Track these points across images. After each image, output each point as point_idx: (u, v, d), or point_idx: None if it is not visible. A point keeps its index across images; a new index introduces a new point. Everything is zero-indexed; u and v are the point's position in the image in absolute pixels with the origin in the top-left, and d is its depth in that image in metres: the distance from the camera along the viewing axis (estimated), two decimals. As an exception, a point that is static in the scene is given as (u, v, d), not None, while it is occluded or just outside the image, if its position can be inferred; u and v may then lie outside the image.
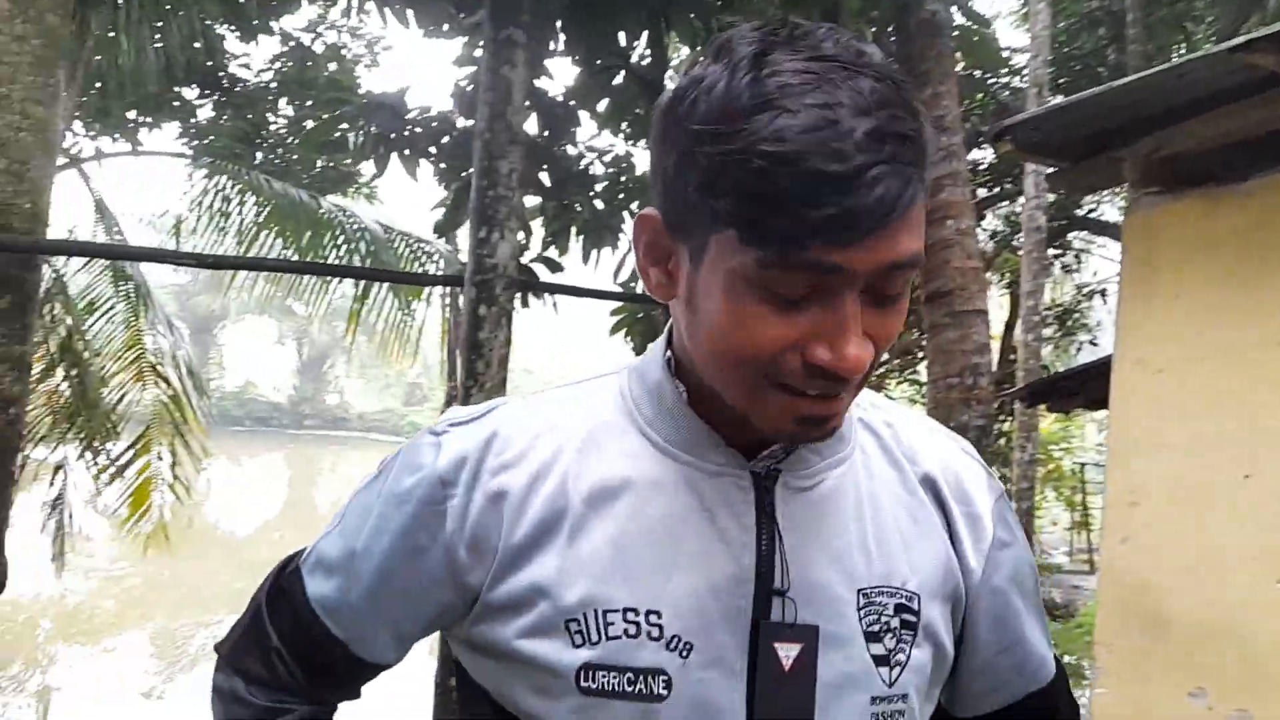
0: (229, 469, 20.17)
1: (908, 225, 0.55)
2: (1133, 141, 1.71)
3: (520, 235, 3.19)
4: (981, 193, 6.60)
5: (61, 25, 2.80)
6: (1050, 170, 2.02)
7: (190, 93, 6.84)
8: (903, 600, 0.69)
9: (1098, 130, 1.73)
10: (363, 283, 6.22)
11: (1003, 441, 6.61)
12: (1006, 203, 6.61)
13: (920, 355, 6.86)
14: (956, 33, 3.91)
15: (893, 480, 0.73)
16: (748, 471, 0.67)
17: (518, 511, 0.67)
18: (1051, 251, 7.02)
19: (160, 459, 6.60)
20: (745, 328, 0.58)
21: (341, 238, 5.99)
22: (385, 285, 6.31)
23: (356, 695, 0.78)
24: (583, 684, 0.64)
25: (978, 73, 6.30)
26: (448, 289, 6.38)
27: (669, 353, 0.70)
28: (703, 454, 0.68)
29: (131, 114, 6.26)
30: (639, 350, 4.35)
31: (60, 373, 6.13)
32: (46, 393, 6.22)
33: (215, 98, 6.97)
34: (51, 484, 6.51)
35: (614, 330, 4.39)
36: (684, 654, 0.64)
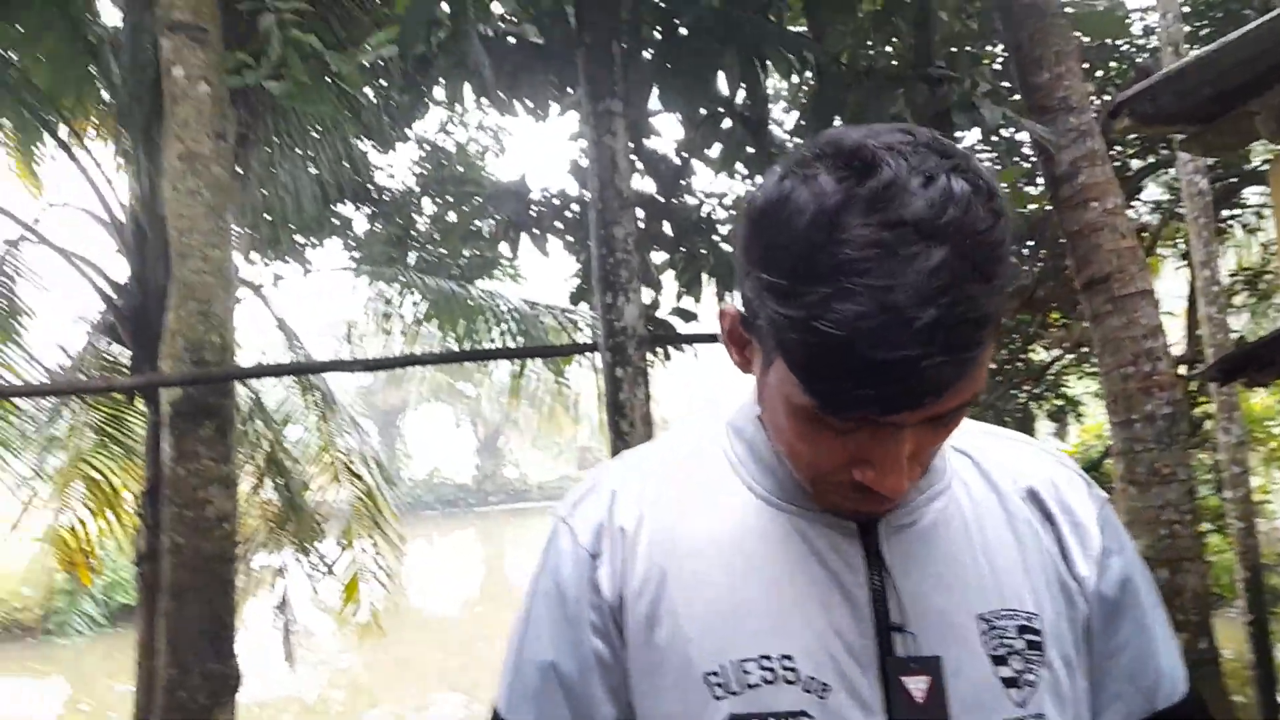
0: (426, 551, 21.28)
1: (965, 385, 0.56)
2: (1263, 92, 1.57)
3: (648, 293, 3.26)
4: (1135, 164, 6.14)
5: (226, 174, 3.16)
6: (1180, 137, 1.89)
7: (345, 209, 7.46)
8: (1024, 621, 0.69)
9: (1223, 89, 1.61)
10: (520, 362, 6.53)
11: (1208, 425, 6.02)
12: (1166, 171, 6.12)
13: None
14: (1068, 8, 3.71)
15: (994, 502, 0.73)
16: (852, 518, 0.69)
17: (644, 567, 0.71)
18: (1227, 213, 6.41)
19: (364, 551, 7.09)
20: (802, 442, 0.62)
21: (493, 320, 6.32)
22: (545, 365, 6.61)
23: None
24: None
25: (1110, 40, 5.94)
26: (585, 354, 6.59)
27: (760, 409, 0.73)
28: (805, 503, 0.70)
29: (298, 237, 6.89)
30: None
31: (269, 484, 6.76)
32: (260, 504, 6.86)
33: (367, 209, 7.57)
34: (273, 588, 7.12)
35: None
36: (821, 694, 0.66)
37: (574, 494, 0.79)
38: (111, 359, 6.30)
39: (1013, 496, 0.73)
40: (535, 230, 3.65)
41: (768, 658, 0.66)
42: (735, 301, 0.66)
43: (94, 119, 5.50)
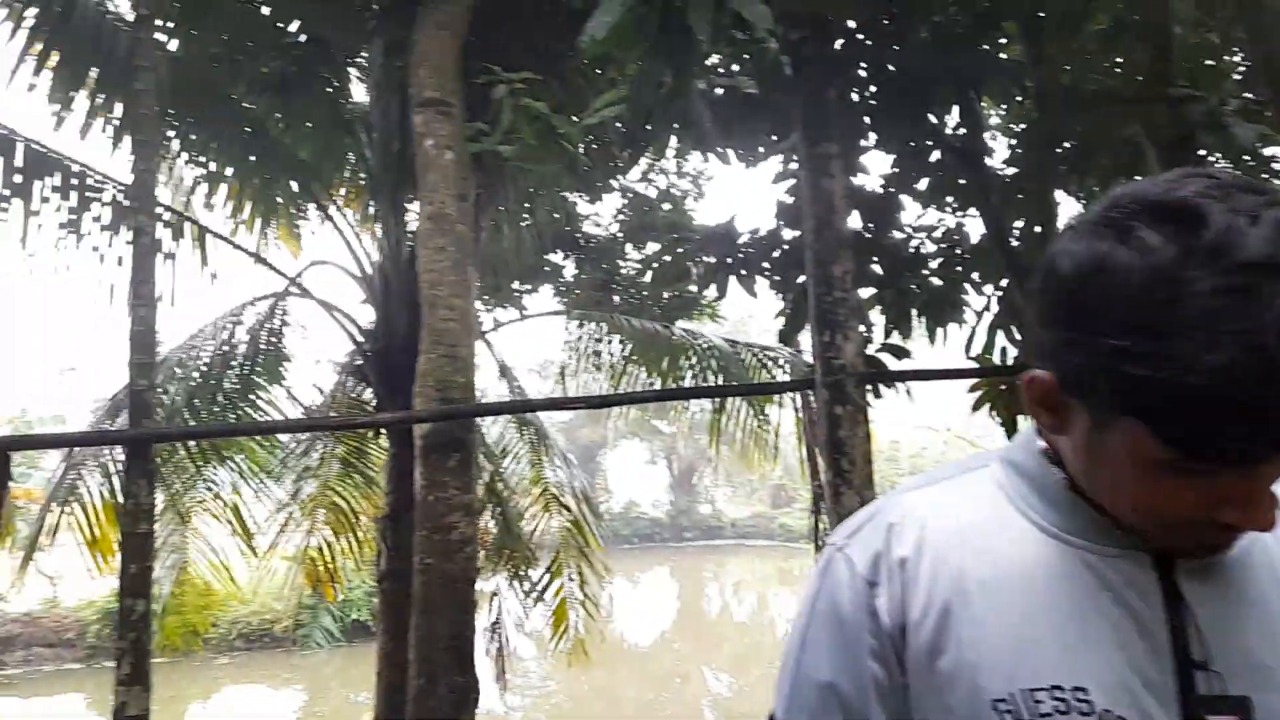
0: (624, 585, 21.71)
1: None
2: None
3: (861, 329, 3.27)
4: None
5: (468, 231, 3.51)
6: None
7: (556, 257, 7.92)
8: None
9: None
10: (720, 400, 6.64)
11: None
12: None
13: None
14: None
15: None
16: (1145, 550, 0.69)
17: (925, 597, 0.73)
18: None
19: (571, 580, 7.39)
20: (1157, 498, 0.63)
21: (695, 359, 6.47)
22: (736, 406, 6.68)
23: None
24: None
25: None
26: (796, 392, 6.58)
27: (1043, 444, 0.75)
28: (1096, 537, 0.71)
29: (515, 285, 7.40)
30: (1006, 423, 4.12)
31: (488, 513, 7.24)
32: (480, 531, 7.35)
33: (576, 256, 8.00)
34: (488, 611, 7.55)
35: (977, 406, 4.22)
36: None
37: (848, 525, 0.83)
38: (355, 398, 7.02)
39: None
40: (743, 271, 3.76)
41: (1060, 688, 0.67)
42: (1041, 369, 0.67)
43: (347, 188, 6.21)
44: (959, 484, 0.80)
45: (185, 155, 5.34)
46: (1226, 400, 0.54)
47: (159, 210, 3.61)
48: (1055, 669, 0.68)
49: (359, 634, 14.50)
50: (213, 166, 5.38)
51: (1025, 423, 0.80)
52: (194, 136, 5.15)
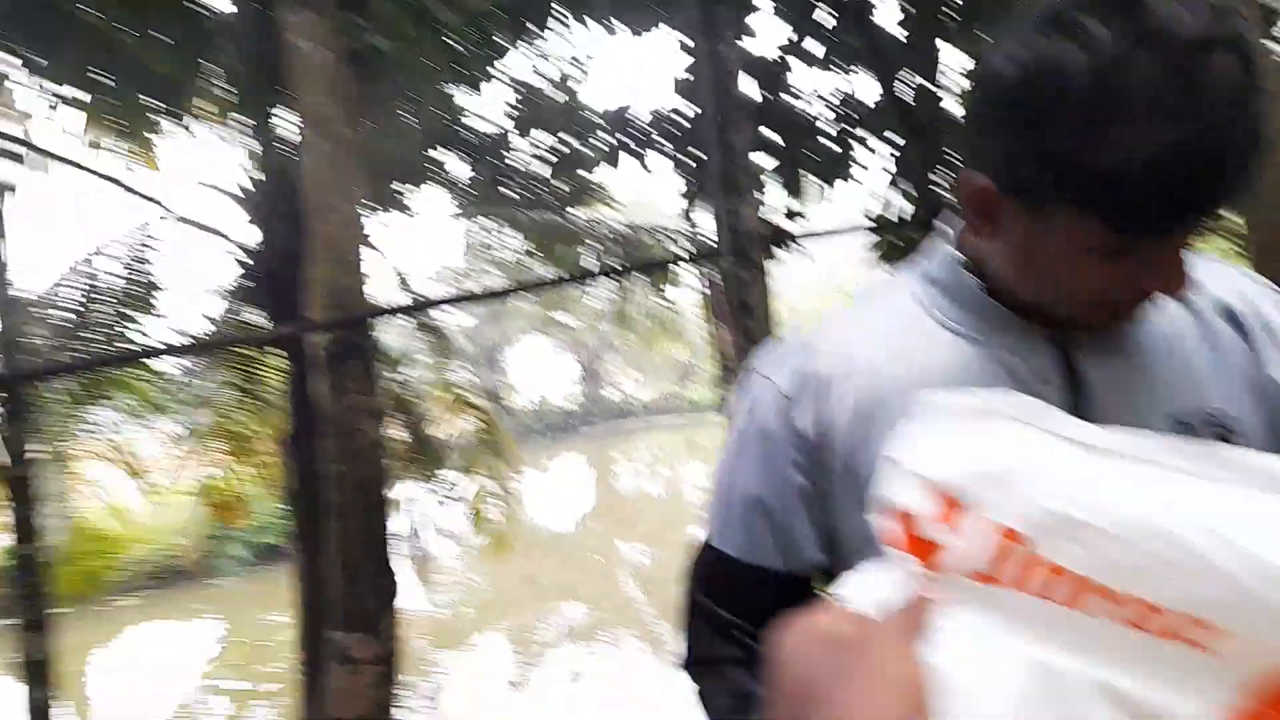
0: (540, 476, 22.03)
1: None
2: None
3: (759, 195, 3.25)
4: None
5: (350, 133, 3.27)
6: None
7: (441, 155, 7.57)
8: (1219, 427, 0.72)
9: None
10: (622, 282, 6.61)
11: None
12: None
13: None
14: None
15: (1187, 317, 0.76)
16: (1051, 341, 0.74)
17: (844, 407, 0.77)
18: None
19: (486, 477, 7.43)
20: (1091, 281, 0.66)
21: (594, 244, 6.38)
22: (641, 280, 6.66)
23: None
24: None
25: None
26: (698, 267, 6.59)
27: (954, 251, 0.78)
28: (1005, 335, 0.75)
29: (400, 186, 7.06)
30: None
31: (396, 420, 7.12)
32: (389, 439, 7.24)
33: (462, 152, 7.66)
34: (406, 518, 7.54)
35: (875, 261, 4.33)
36: None
37: (769, 353, 0.86)
38: (245, 323, 6.67)
39: (1205, 309, 0.76)
40: (641, 150, 3.67)
41: None
42: (976, 174, 0.68)
43: (211, 101, 5.69)
44: (876, 302, 0.83)
45: (29, 78, 4.78)
46: (1168, 178, 0.56)
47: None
48: None
49: (272, 557, 14.33)
50: (63, 90, 4.84)
51: (933, 242, 0.82)
52: (37, 59, 4.61)
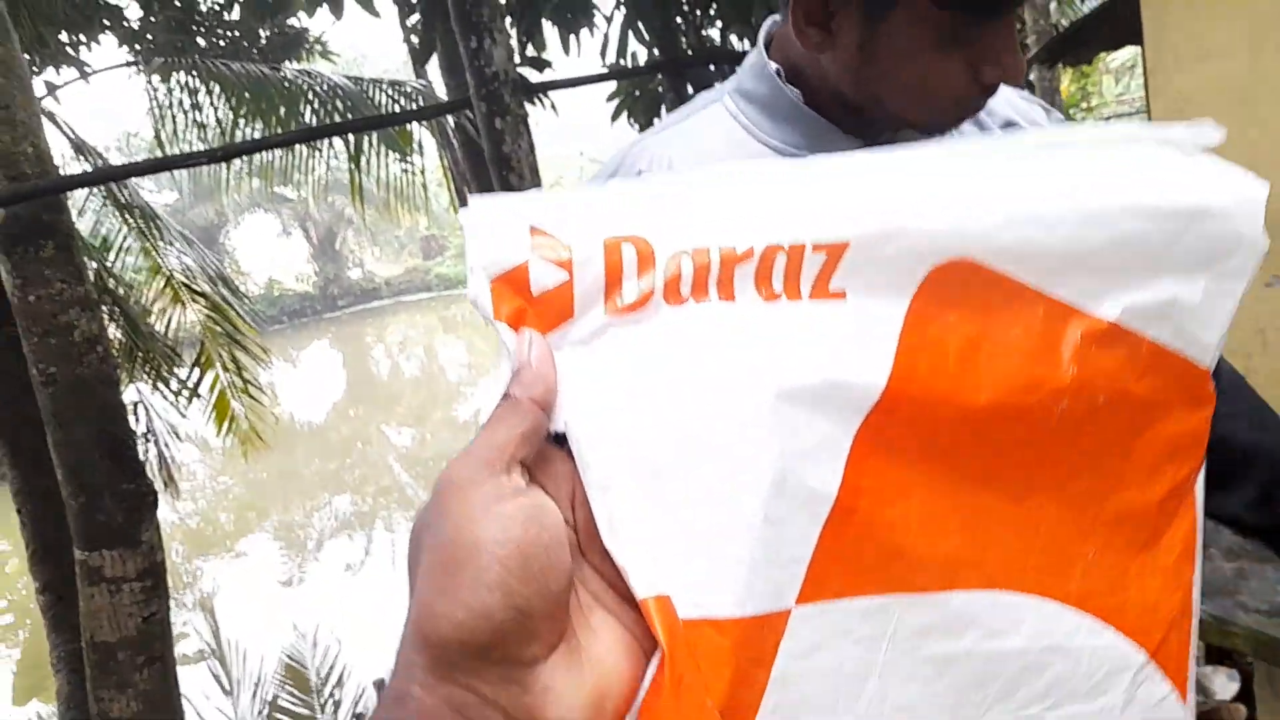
0: (284, 366, 20.75)
1: None
2: None
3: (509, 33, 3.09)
4: None
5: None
6: None
7: (111, -2, 6.47)
8: None
9: None
10: (355, 148, 6.10)
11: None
12: None
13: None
14: None
15: (978, 132, 0.82)
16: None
17: None
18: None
19: (224, 370, 6.85)
20: (932, 76, 0.68)
21: (316, 102, 5.82)
22: (378, 145, 6.18)
23: None
24: None
25: None
26: (435, 123, 6.24)
27: (774, 66, 0.78)
28: (825, 147, 0.76)
29: (65, 37, 5.97)
30: (644, 126, 4.28)
31: (105, 314, 6.28)
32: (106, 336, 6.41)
33: (136, -6, 6.58)
34: (136, 420, 6.83)
35: (616, 114, 4.31)
36: None
37: (596, 178, 0.82)
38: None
39: (992, 125, 0.83)
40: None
41: None
42: None
43: None
44: (695, 122, 0.82)
45: None
46: None
47: None
48: None
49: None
50: None
51: (752, 55, 0.81)
52: None
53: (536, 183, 2.38)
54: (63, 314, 2.67)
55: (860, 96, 0.74)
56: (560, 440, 0.35)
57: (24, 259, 2.61)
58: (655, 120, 4.27)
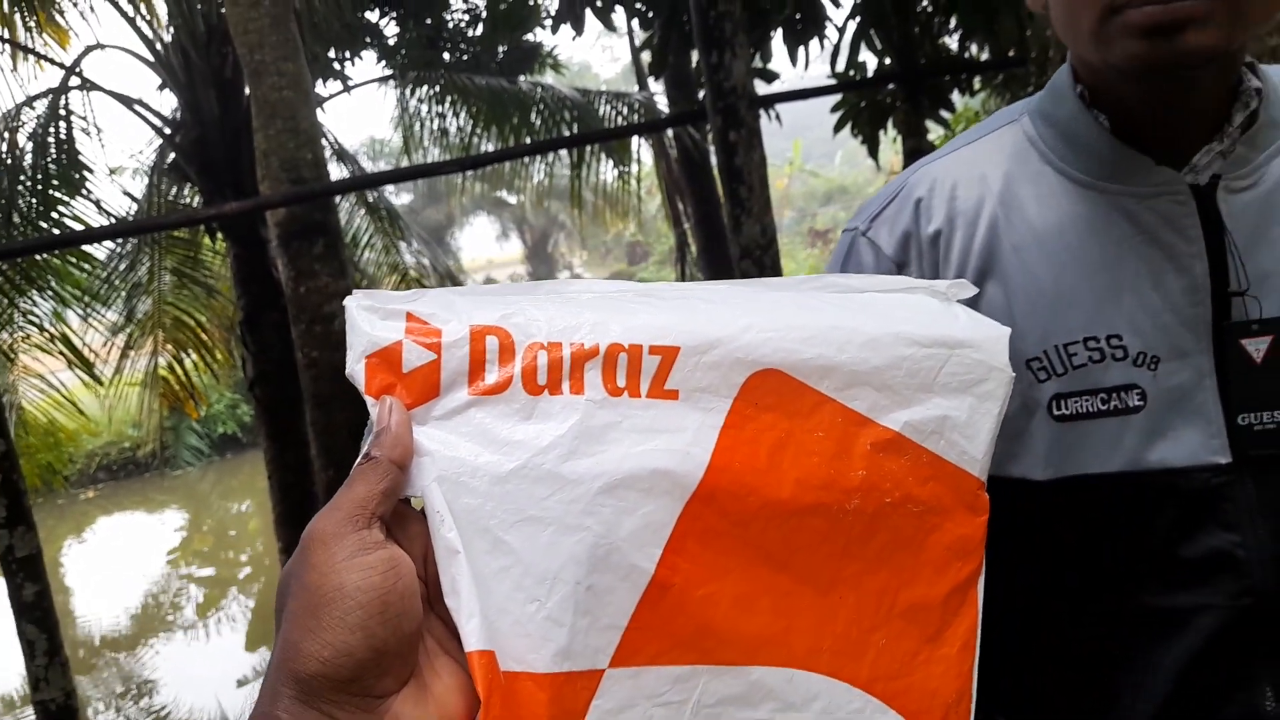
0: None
1: None
2: None
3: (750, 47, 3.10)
4: None
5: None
6: None
7: (375, 16, 7.11)
8: None
9: None
10: (578, 157, 6.37)
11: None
12: None
13: None
14: None
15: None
16: (1185, 185, 0.68)
17: (957, 271, 0.72)
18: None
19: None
20: None
21: (546, 112, 6.12)
22: (598, 153, 6.43)
23: None
24: (1055, 413, 0.70)
25: None
26: (651, 137, 6.40)
27: (1079, 87, 0.71)
28: (1133, 179, 0.69)
29: (332, 53, 6.63)
30: (869, 138, 4.15)
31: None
32: (343, 324, 7.06)
33: (395, 13, 7.20)
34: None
35: (839, 125, 4.22)
36: (1152, 366, 0.68)
37: (870, 207, 0.79)
38: (174, 200, 6.33)
39: None
40: (599, 3, 3.45)
41: (1094, 339, 0.68)
42: None
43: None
44: (985, 146, 0.77)
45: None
46: None
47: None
48: (1089, 321, 0.69)
49: (229, 447, 14.21)
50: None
51: (1058, 74, 0.74)
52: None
53: (766, 196, 2.37)
54: (327, 305, 2.96)
55: (1089, 67, 0.68)
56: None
57: (299, 254, 2.92)
58: (880, 132, 4.14)
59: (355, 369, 0.41)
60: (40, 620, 2.56)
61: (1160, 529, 0.68)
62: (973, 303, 0.69)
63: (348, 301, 0.42)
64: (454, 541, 0.39)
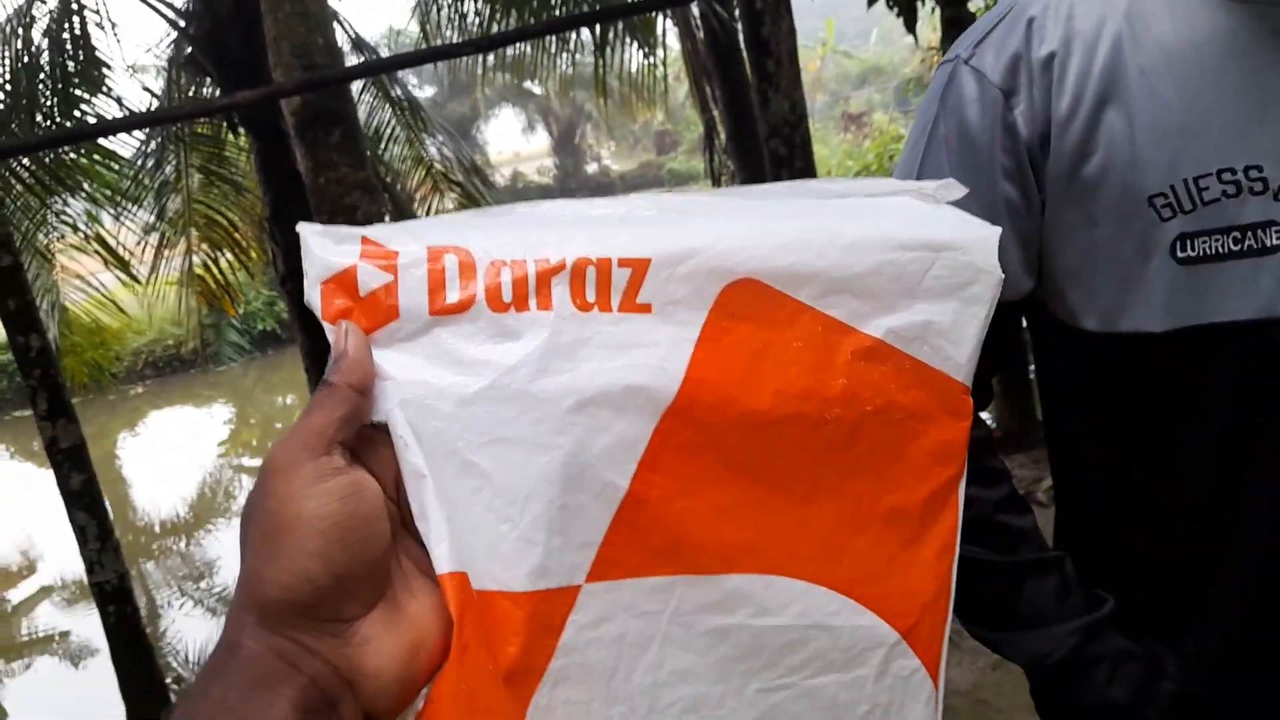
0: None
1: None
2: None
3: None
4: None
5: None
6: None
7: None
8: None
9: None
10: (601, 39, 6.14)
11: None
12: None
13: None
14: None
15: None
16: None
17: (1073, 95, 0.65)
18: None
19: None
20: None
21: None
22: (623, 35, 6.18)
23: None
24: (1180, 255, 0.63)
25: None
26: (680, 14, 6.14)
27: None
28: None
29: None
30: (905, 13, 3.94)
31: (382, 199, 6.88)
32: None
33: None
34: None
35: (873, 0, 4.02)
36: None
37: (974, 32, 0.72)
38: (193, 96, 6.25)
39: None
40: None
41: (1230, 170, 0.62)
42: None
43: None
44: None
45: None
46: None
47: None
48: (1225, 150, 0.62)
49: (269, 343, 14.50)
50: None
51: None
52: None
53: (795, 70, 2.25)
54: (348, 195, 2.93)
55: None
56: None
57: (315, 143, 2.87)
58: (917, 3, 3.92)
59: (312, 295, 0.39)
60: (90, 507, 2.67)
61: None
62: (1090, 129, 0.65)
63: (301, 228, 0.40)
64: (420, 465, 0.38)
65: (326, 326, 0.39)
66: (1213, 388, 0.65)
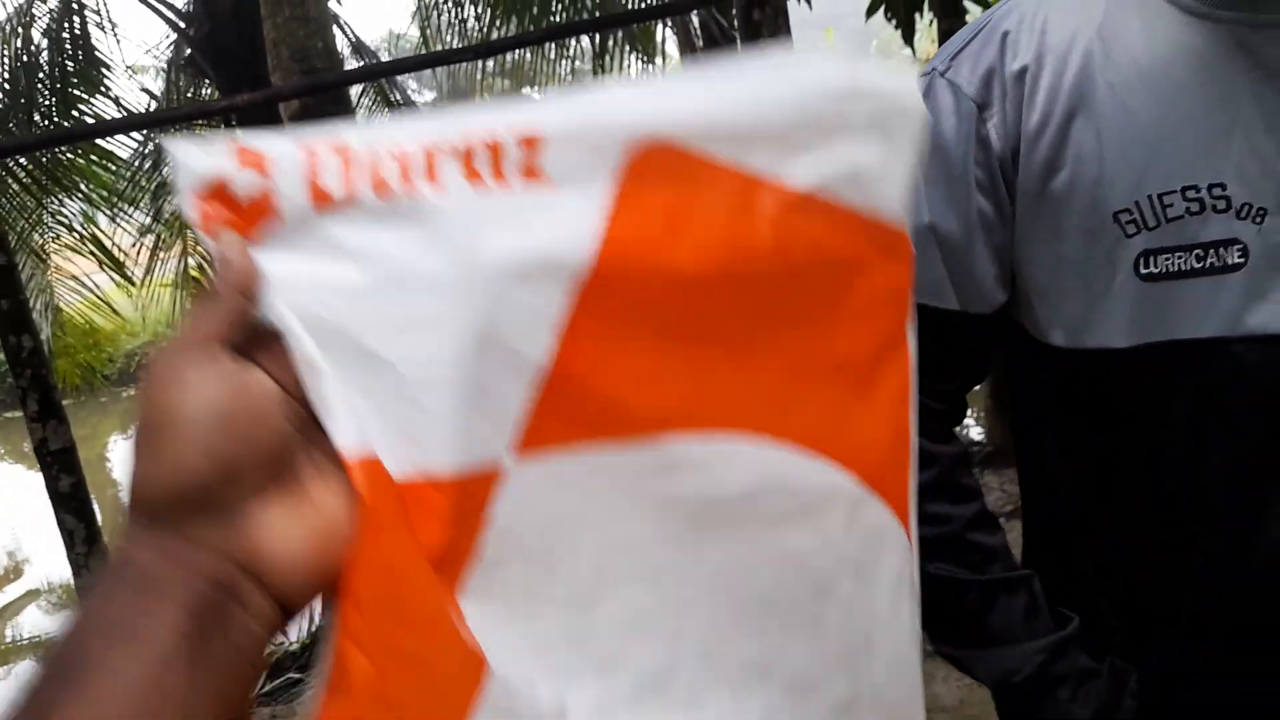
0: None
1: None
2: None
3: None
4: None
5: None
6: None
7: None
8: None
9: None
10: (600, 47, 6.15)
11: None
12: None
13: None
14: None
15: None
16: None
17: (1044, 110, 0.65)
18: None
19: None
20: None
21: (566, 1, 5.88)
22: (622, 43, 6.20)
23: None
24: (1143, 271, 0.64)
25: None
26: (679, 24, 6.16)
27: None
28: (1251, 5, 0.61)
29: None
30: (903, 22, 3.95)
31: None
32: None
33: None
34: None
35: (871, 9, 4.03)
36: (1257, 219, 0.62)
37: (951, 46, 0.73)
38: (193, 96, 6.25)
39: None
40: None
41: (1194, 188, 0.62)
42: None
43: None
44: None
45: None
46: None
47: None
48: (1190, 168, 0.62)
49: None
50: None
51: None
52: None
53: (784, 24, 2.25)
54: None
55: None
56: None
57: (313, 148, 2.87)
58: (915, 15, 3.93)
59: (185, 206, 0.37)
60: (78, 510, 2.66)
61: (1256, 401, 0.63)
62: (1059, 144, 0.65)
63: (169, 144, 0.38)
64: (315, 359, 0.37)
65: (203, 237, 0.37)
66: (1177, 404, 0.65)
